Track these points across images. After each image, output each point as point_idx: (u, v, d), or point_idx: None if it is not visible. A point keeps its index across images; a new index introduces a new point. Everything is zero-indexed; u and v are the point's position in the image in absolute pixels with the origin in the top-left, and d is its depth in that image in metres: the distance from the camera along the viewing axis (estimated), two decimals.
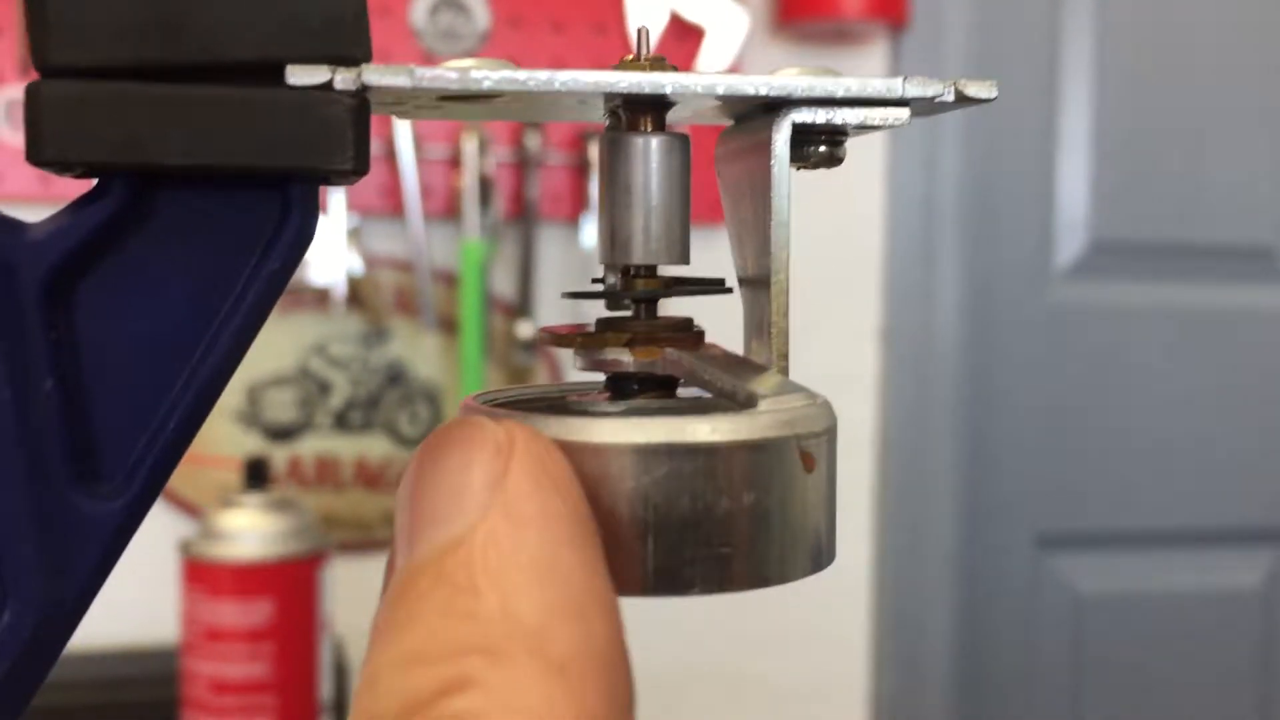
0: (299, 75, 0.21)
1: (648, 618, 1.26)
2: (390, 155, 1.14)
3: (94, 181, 0.22)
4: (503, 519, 0.18)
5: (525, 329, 1.20)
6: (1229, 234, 1.42)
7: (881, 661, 1.34)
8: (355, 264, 1.15)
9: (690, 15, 1.18)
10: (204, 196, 0.22)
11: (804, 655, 1.32)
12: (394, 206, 1.15)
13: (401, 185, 1.15)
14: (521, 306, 1.20)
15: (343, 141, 0.21)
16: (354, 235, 1.15)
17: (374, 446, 1.20)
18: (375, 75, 0.21)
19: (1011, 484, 1.39)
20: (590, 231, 1.19)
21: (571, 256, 1.21)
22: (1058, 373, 1.39)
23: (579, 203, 1.20)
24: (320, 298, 1.16)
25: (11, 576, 0.20)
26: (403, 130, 1.14)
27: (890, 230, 1.31)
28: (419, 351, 1.20)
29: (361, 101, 0.21)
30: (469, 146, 1.15)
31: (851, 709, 1.34)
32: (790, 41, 1.24)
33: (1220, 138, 1.40)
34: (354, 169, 0.21)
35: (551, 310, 1.22)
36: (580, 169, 1.19)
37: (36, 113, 0.20)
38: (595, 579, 0.18)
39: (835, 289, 1.25)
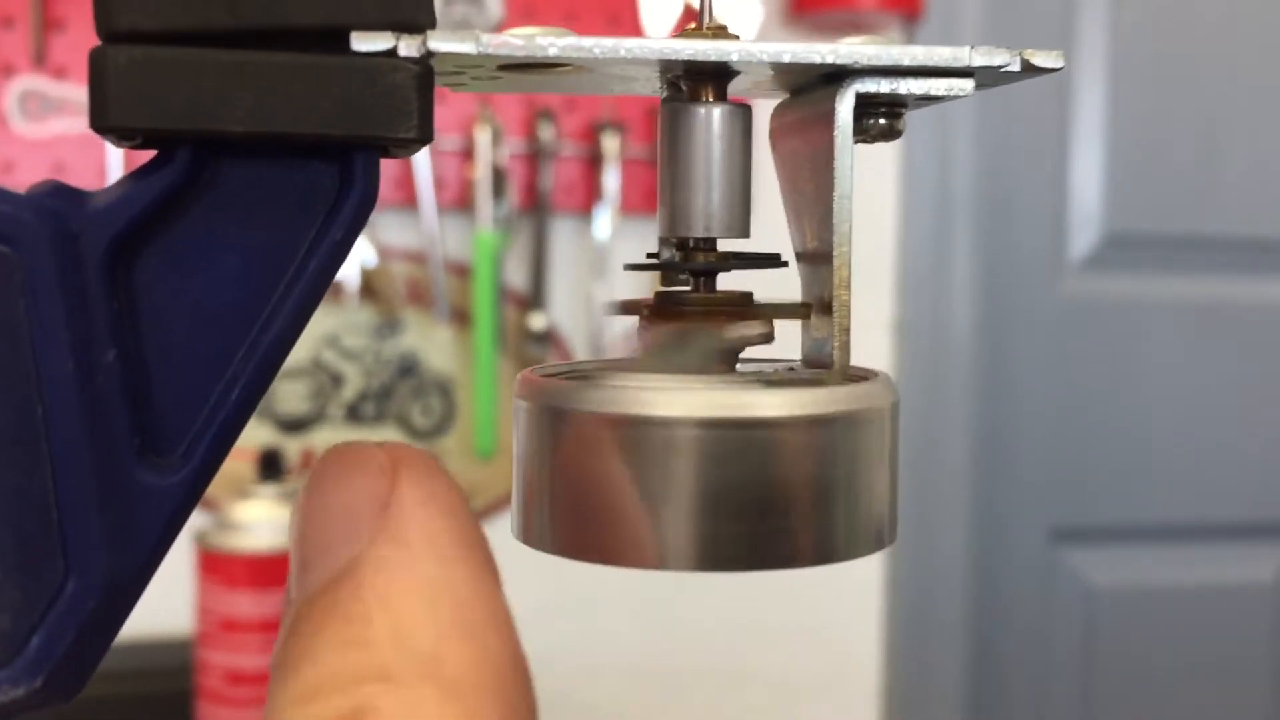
0: (363, 41, 0.21)
1: (658, 613, 1.26)
2: None
3: (151, 154, 0.22)
4: (389, 542, 0.18)
5: (538, 321, 1.20)
6: (1243, 226, 1.41)
7: (893, 655, 1.34)
8: (368, 255, 1.15)
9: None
10: (266, 166, 0.22)
11: (816, 649, 1.31)
12: (407, 198, 1.15)
13: (414, 176, 1.14)
14: (534, 298, 1.20)
15: (407, 109, 0.21)
16: (367, 226, 1.15)
17: (386, 438, 1.19)
18: (440, 41, 0.21)
19: (1025, 477, 1.39)
20: (602, 223, 1.19)
21: (584, 248, 1.21)
22: (1071, 365, 1.39)
23: (592, 194, 1.20)
24: (333, 289, 1.16)
25: (75, 549, 0.20)
26: None
27: (904, 222, 1.31)
28: (431, 343, 1.20)
29: (426, 69, 0.21)
30: (482, 138, 1.15)
31: (863, 703, 1.34)
32: (804, 32, 1.23)
33: (1234, 129, 1.40)
34: (418, 137, 0.21)
35: (565, 302, 1.22)
36: (593, 161, 1.19)
37: (101, 78, 0.20)
38: (488, 597, 0.18)
39: None
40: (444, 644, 0.17)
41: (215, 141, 0.21)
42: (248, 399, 0.22)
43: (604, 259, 1.19)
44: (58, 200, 0.20)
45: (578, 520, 0.22)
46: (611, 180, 1.18)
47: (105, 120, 0.20)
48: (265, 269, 0.22)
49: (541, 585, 1.24)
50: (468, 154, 1.16)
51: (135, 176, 0.21)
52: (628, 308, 0.25)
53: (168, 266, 0.21)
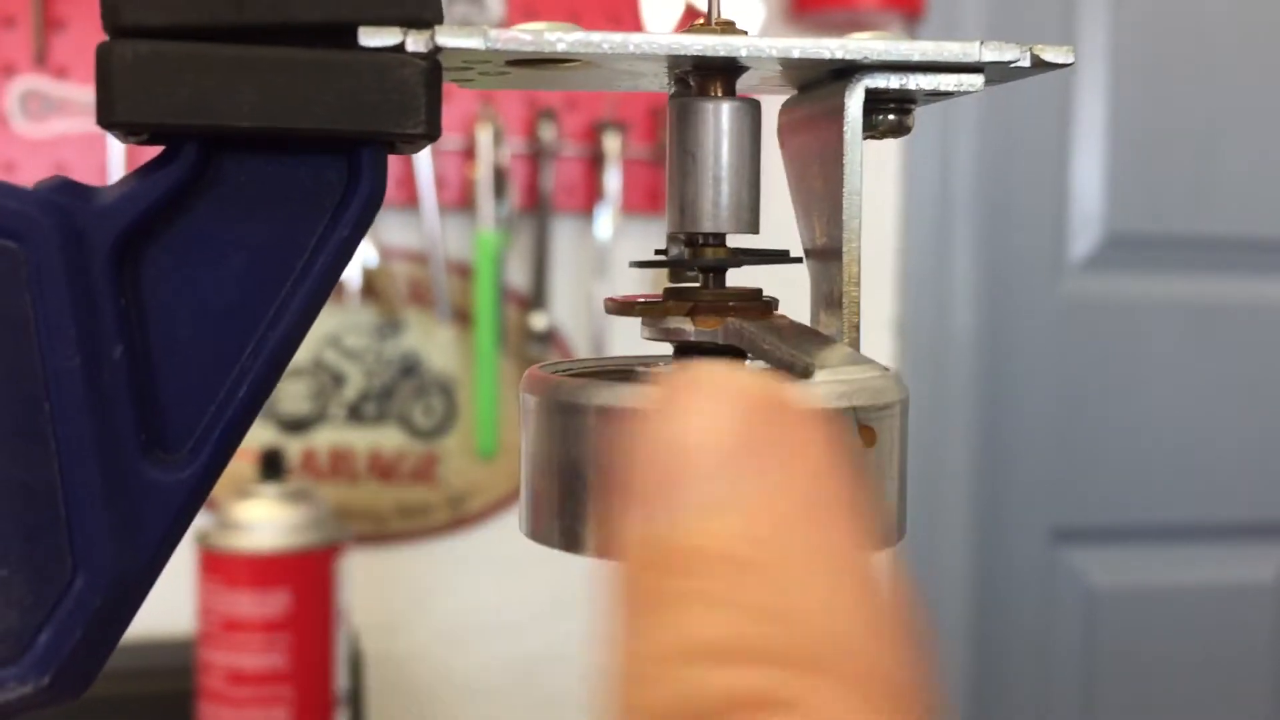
0: (371, 37, 0.21)
1: None
2: None
3: (158, 150, 0.22)
4: (794, 500, 0.15)
5: (539, 320, 1.19)
6: (1244, 226, 1.41)
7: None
8: (369, 255, 1.15)
9: (704, 4, 1.17)
10: (273, 162, 0.21)
11: None
12: (408, 198, 1.15)
13: (416, 176, 1.14)
14: (536, 298, 1.19)
15: (414, 104, 0.21)
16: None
17: (388, 438, 1.19)
18: (448, 37, 0.21)
19: (1026, 477, 1.39)
20: (604, 223, 1.19)
21: (586, 248, 1.21)
22: (1072, 366, 1.39)
23: (593, 194, 1.19)
24: (334, 289, 1.15)
25: (83, 545, 0.20)
26: None
27: (905, 222, 1.31)
28: (433, 343, 1.20)
29: (434, 64, 0.21)
30: (484, 137, 1.15)
31: None
32: (805, 31, 1.23)
33: (1235, 130, 1.40)
34: (425, 133, 0.21)
35: (566, 302, 1.22)
36: (594, 160, 1.19)
37: (108, 73, 0.20)
38: (887, 582, 0.15)
39: None
40: (875, 640, 0.14)
41: (222, 137, 0.21)
42: (255, 395, 0.22)
43: (605, 259, 1.19)
44: (64, 196, 0.20)
45: (584, 515, 0.22)
46: (613, 180, 1.18)
47: (112, 115, 0.20)
48: (272, 265, 0.22)
49: (545, 585, 1.24)
50: (469, 154, 1.16)
51: (142, 172, 0.21)
52: (622, 306, 0.25)
53: (175, 262, 0.21)
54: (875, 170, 1.28)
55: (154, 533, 0.21)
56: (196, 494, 0.21)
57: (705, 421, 0.16)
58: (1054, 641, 1.41)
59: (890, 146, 1.28)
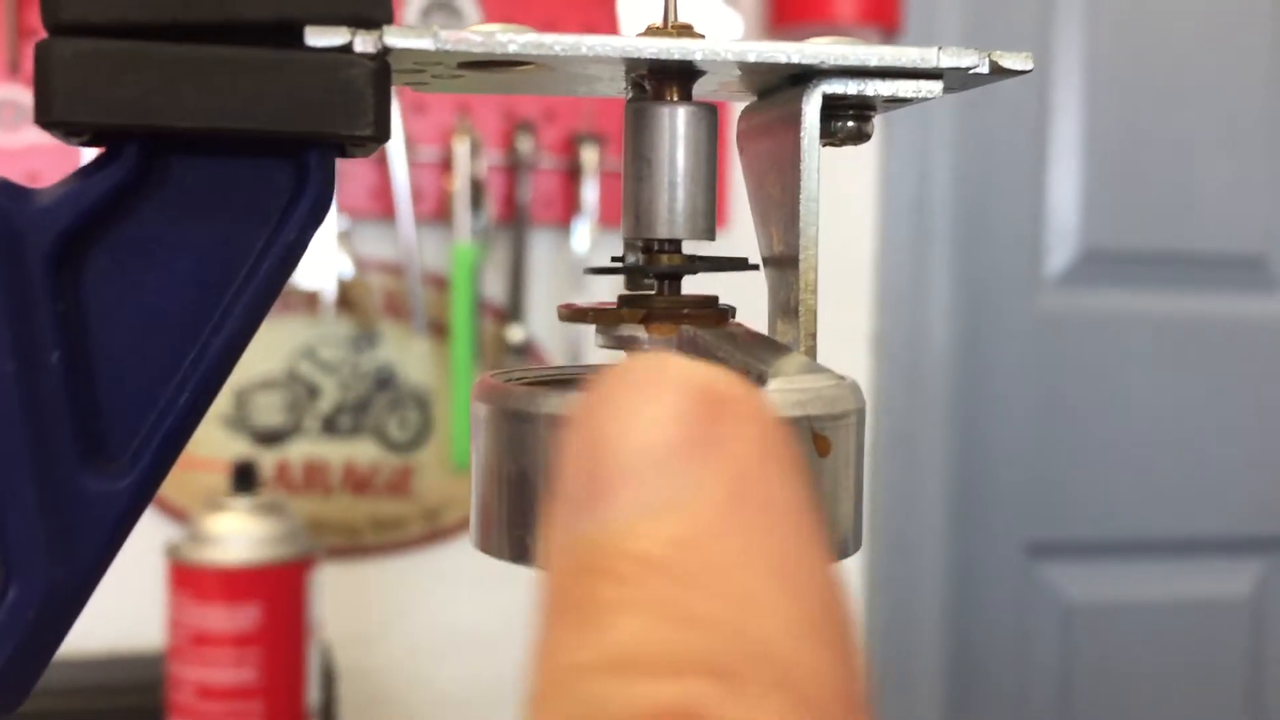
0: (318, 36, 0.20)
1: None
2: (381, 157, 1.13)
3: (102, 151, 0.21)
4: (735, 500, 0.14)
5: (516, 333, 1.19)
6: (1219, 242, 1.42)
7: (869, 669, 1.34)
8: (345, 267, 1.14)
9: (682, 18, 1.17)
10: (218, 164, 0.21)
11: None
12: (384, 209, 1.14)
13: (392, 188, 1.14)
14: (512, 310, 1.19)
15: (362, 106, 0.20)
16: (344, 238, 1.14)
17: (362, 451, 1.19)
18: (397, 37, 0.20)
19: (1001, 492, 1.39)
20: (581, 236, 1.19)
21: (563, 261, 1.21)
22: (1048, 380, 1.39)
23: (570, 207, 1.19)
24: (309, 301, 1.15)
25: (16, 555, 0.19)
26: (393, 131, 1.13)
27: (882, 237, 1.31)
28: (409, 355, 1.19)
29: (382, 65, 0.21)
30: (460, 149, 1.14)
31: None
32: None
33: (1210, 146, 1.41)
34: (374, 135, 0.21)
35: (543, 314, 1.21)
36: (572, 173, 1.19)
37: (46, 71, 0.20)
38: (839, 589, 0.14)
39: (826, 295, 1.24)
40: (802, 647, 0.13)
41: (164, 138, 0.21)
42: (197, 402, 0.21)
43: (582, 271, 1.19)
44: (1, 197, 0.20)
45: (533, 526, 0.22)
46: (590, 192, 1.18)
47: (50, 115, 0.20)
48: (217, 269, 0.21)
49: (520, 599, 1.23)
50: (446, 165, 1.16)
51: (82, 173, 0.21)
52: (575, 314, 0.24)
53: (116, 266, 0.21)
54: (852, 185, 1.28)
55: (91, 543, 0.20)
56: (136, 503, 0.21)
57: (639, 417, 0.15)
58: (1030, 656, 1.41)
59: (867, 161, 1.28)
